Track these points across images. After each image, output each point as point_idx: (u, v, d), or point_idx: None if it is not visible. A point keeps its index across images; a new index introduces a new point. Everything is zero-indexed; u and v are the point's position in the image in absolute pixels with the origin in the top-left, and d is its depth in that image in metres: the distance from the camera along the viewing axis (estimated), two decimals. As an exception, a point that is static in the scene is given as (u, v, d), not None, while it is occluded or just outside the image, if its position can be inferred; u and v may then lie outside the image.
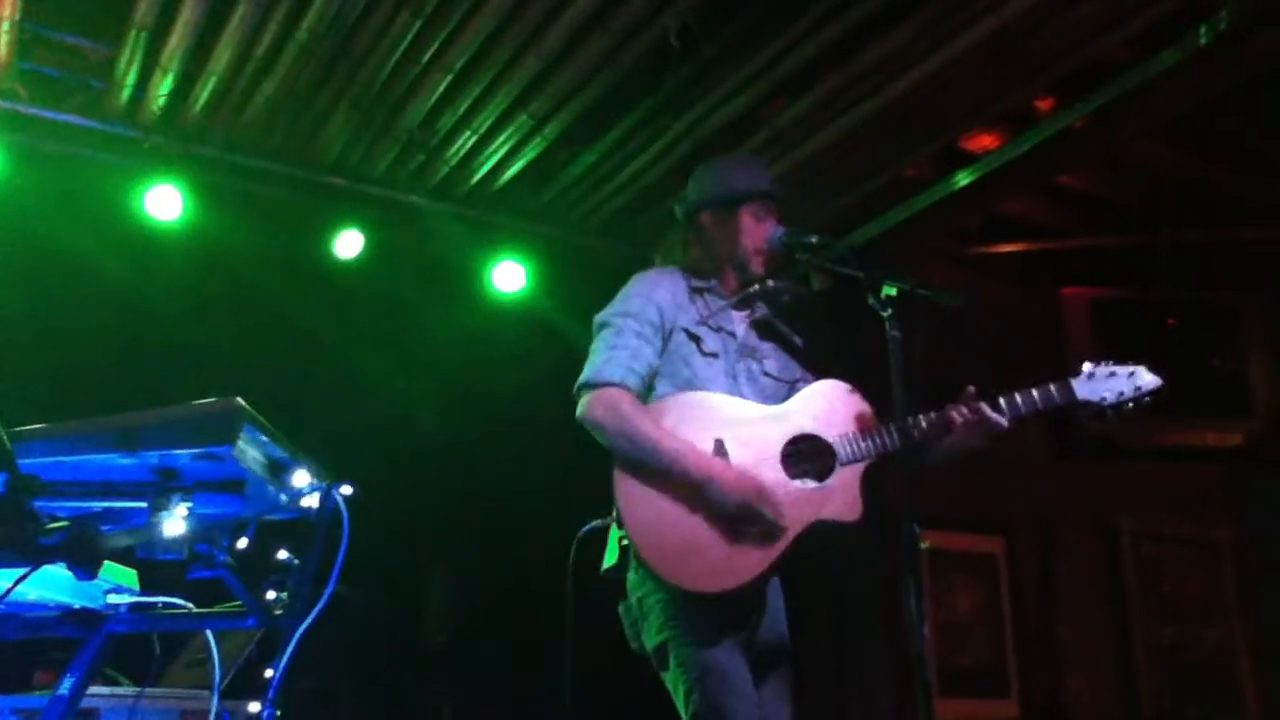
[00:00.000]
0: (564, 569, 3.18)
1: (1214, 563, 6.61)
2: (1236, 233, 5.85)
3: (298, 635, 2.13)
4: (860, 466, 2.78)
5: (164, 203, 4.75)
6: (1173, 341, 6.18)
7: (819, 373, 3.05)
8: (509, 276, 5.51)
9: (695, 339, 2.92)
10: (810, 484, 2.77)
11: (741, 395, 2.91)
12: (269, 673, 2.17)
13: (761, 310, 3.08)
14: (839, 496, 2.74)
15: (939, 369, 5.91)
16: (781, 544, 2.68)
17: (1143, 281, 6.25)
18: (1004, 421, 2.79)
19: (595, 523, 3.04)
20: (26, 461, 1.81)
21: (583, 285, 5.47)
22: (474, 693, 4.97)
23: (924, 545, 2.48)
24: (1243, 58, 4.27)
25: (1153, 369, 2.85)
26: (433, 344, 5.36)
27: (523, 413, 5.04)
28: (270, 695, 2.15)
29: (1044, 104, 4.85)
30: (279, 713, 2.26)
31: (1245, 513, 6.59)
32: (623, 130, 4.91)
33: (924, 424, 2.77)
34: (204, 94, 4.53)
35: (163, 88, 4.46)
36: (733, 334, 3.01)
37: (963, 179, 5.09)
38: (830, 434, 2.80)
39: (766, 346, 3.06)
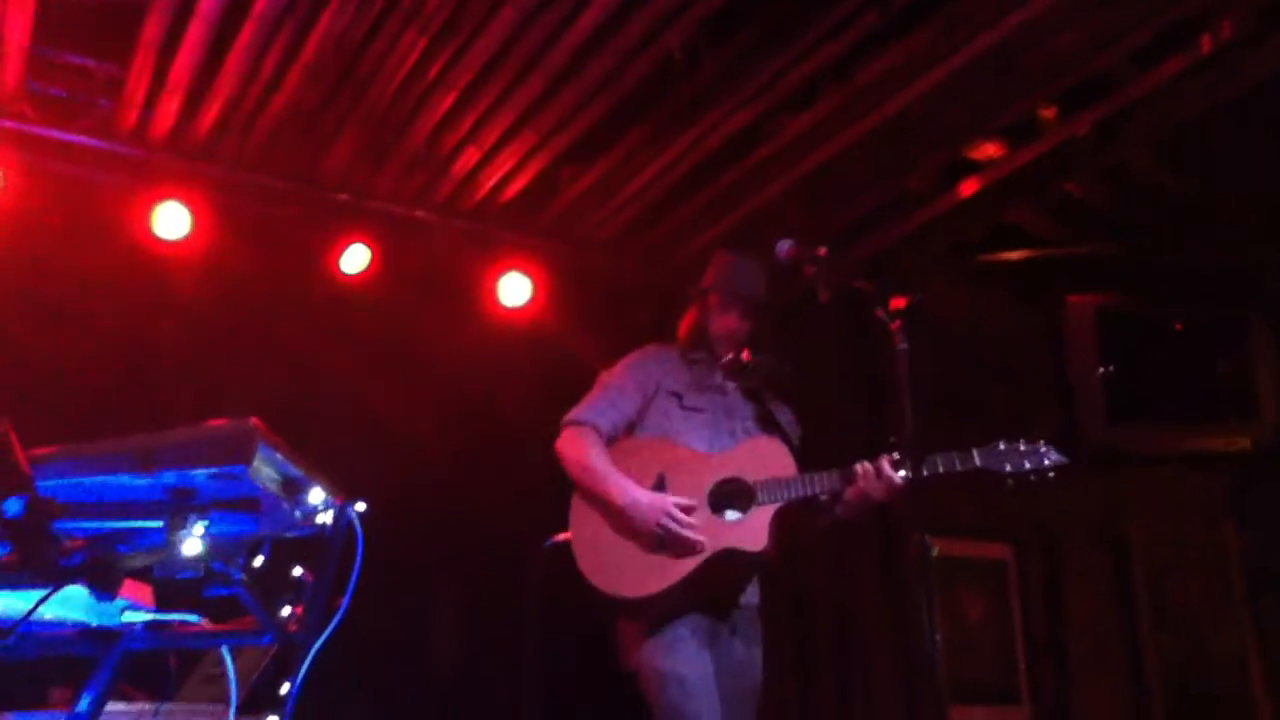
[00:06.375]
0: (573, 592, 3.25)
1: (1223, 570, 6.59)
2: (1240, 244, 5.86)
3: (313, 651, 2.15)
4: (773, 507, 3.16)
5: (171, 221, 4.78)
6: (1179, 347, 6.18)
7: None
8: (514, 292, 5.53)
9: (677, 396, 3.41)
10: (727, 517, 3.21)
11: (722, 442, 3.36)
12: (285, 688, 2.19)
13: (752, 381, 3.49)
14: (749, 530, 3.15)
15: (944, 378, 5.95)
16: (694, 560, 3.11)
17: (1148, 289, 6.25)
18: (897, 479, 3.09)
19: (559, 538, 3.39)
20: (44, 483, 1.83)
21: (587, 300, 5.50)
22: (481, 715, 4.94)
23: (934, 552, 2.50)
24: (1245, 66, 4.29)
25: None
26: (438, 358, 5.34)
27: (528, 428, 5.03)
28: (287, 710, 2.16)
29: (1048, 113, 4.86)
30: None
31: (1254, 519, 6.59)
32: (626, 146, 4.93)
33: (834, 477, 3.15)
34: (211, 113, 4.56)
35: (170, 107, 4.49)
36: (722, 392, 3.47)
37: (966, 190, 5.11)
38: (753, 479, 3.21)
39: (749, 409, 3.47)
